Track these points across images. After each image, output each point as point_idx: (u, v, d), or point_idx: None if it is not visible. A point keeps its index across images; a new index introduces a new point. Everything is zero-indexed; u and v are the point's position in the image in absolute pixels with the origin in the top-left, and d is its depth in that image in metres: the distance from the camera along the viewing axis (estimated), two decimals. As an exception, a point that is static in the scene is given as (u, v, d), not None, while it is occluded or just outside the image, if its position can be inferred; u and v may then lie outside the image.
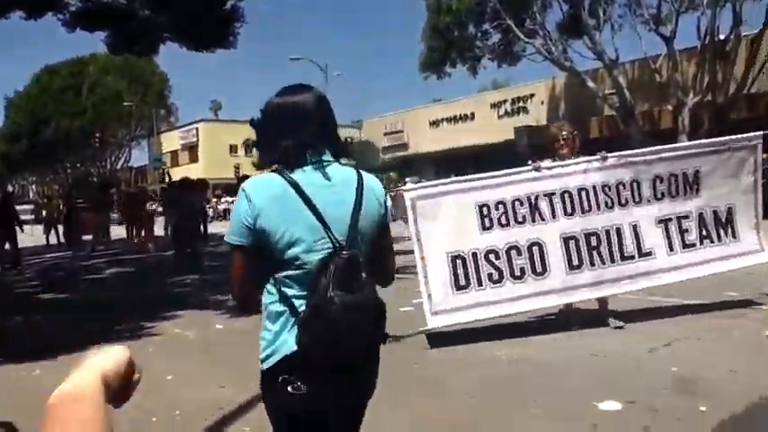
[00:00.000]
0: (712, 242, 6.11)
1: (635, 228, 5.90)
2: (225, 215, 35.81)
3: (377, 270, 1.97)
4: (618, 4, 25.40)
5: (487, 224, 5.70)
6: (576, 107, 28.25)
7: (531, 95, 31.16)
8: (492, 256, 5.67)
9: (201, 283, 10.78)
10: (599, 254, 5.81)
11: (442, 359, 5.33)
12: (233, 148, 56.09)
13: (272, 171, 1.91)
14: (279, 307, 1.88)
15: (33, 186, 71.15)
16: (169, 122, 58.74)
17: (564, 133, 5.99)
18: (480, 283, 5.64)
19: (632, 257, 5.88)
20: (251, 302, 1.98)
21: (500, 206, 5.72)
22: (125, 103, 48.53)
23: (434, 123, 35.91)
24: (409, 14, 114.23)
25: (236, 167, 45.74)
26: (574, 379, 4.54)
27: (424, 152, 34.25)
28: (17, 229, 15.02)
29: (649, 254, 5.92)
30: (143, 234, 18.09)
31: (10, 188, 73.46)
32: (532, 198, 5.74)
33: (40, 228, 22.71)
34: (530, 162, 5.98)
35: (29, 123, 51.19)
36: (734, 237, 6.14)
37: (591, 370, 4.72)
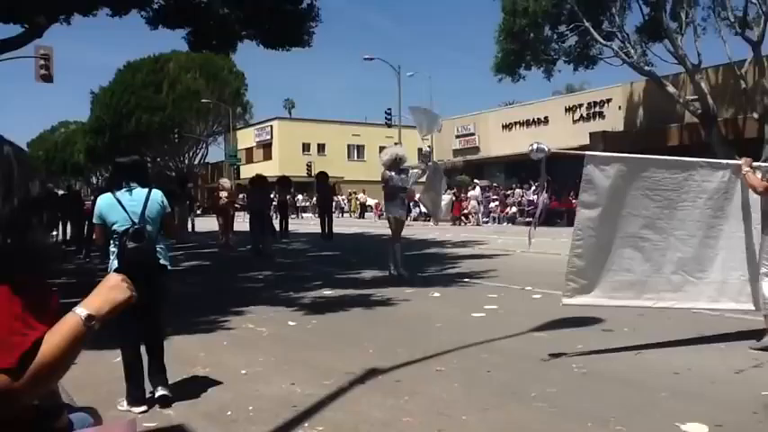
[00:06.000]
0: None
1: None
2: (297, 212, 36.36)
3: (164, 231, 4.67)
4: (701, 6, 24.47)
5: None
6: (654, 113, 27.39)
7: (608, 100, 30.34)
8: None
9: (274, 279, 10.95)
10: None
11: (523, 367, 5.23)
12: (305, 147, 56.85)
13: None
14: (112, 248, 4.42)
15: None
16: (244, 120, 59.92)
17: None
18: None
19: None
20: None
21: None
22: (203, 101, 49.87)
23: (507, 126, 35.42)
24: (481, 13, 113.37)
25: (309, 165, 46.46)
26: (656, 396, 4.37)
27: (496, 155, 33.86)
28: None
29: None
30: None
31: (93, 179, 76.80)
32: None
33: None
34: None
35: (112, 118, 53.23)
36: None
37: (674, 388, 4.53)
